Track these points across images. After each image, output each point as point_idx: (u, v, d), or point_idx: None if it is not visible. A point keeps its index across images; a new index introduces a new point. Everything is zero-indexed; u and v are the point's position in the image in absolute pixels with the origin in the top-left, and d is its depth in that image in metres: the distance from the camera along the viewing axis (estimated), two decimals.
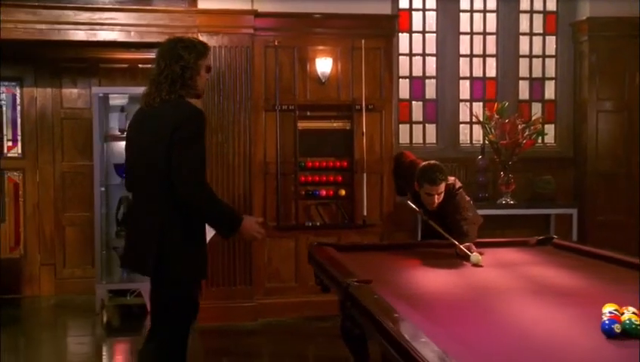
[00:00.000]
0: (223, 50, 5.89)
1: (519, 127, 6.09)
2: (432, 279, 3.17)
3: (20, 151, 7.24)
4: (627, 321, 2.07)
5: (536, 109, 6.84)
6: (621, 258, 3.46)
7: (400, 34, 6.62)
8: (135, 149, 3.17)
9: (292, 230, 6.10)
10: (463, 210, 4.21)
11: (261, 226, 3.22)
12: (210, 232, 3.17)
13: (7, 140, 7.22)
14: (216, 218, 3.08)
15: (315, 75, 6.13)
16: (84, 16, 5.81)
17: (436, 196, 4.16)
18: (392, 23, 6.24)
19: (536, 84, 6.88)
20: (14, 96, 7.22)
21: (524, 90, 6.86)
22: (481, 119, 6.30)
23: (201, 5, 5.91)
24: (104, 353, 5.63)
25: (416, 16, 6.68)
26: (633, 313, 2.11)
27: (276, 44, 6.03)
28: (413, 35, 6.68)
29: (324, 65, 6.10)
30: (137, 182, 3.15)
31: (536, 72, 6.88)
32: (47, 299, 7.12)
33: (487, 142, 6.27)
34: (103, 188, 6.46)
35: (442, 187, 4.16)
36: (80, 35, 5.88)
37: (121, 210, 6.67)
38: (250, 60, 5.96)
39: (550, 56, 6.88)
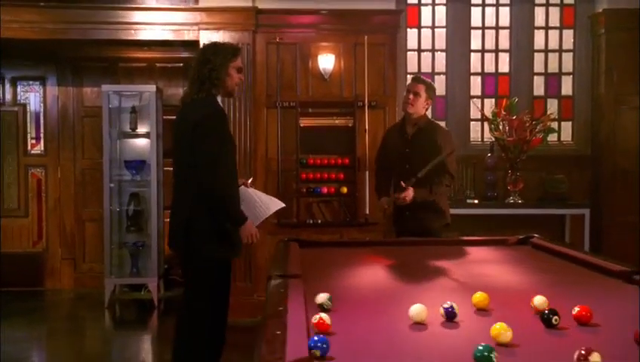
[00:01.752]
0: None
1: (527, 123, 5.87)
2: (366, 275, 3.09)
3: (42, 148, 7.46)
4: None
5: (552, 105, 6.60)
6: (596, 261, 3.26)
7: (408, 29, 6.51)
8: (173, 142, 3.70)
9: (293, 228, 6.06)
10: (450, 160, 4.31)
11: (258, 235, 3.65)
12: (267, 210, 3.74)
13: (31, 138, 7.47)
14: (225, 209, 3.48)
15: (317, 72, 6.09)
16: (85, 14, 5.93)
17: (411, 95, 4.32)
18: (396, 18, 6.14)
19: (552, 79, 6.63)
20: (38, 95, 7.45)
21: (539, 86, 6.62)
22: (489, 116, 6.12)
23: (202, 3, 5.95)
24: (111, 344, 5.74)
25: (425, 11, 6.54)
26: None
27: (278, 40, 6.02)
28: (422, 30, 6.54)
29: (326, 61, 6.05)
30: (175, 171, 3.67)
31: (552, 67, 6.62)
32: (67, 292, 7.32)
33: (494, 139, 6.08)
34: (112, 185, 6.60)
35: (420, 88, 4.33)
36: (85, 33, 6.02)
37: (131, 205, 6.81)
38: (252, 57, 5.97)
39: (567, 51, 6.62)
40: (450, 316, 2.12)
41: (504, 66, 6.60)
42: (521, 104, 6.40)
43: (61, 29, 6.21)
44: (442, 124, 6.50)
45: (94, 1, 5.98)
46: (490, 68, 6.60)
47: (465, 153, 6.43)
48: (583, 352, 1.66)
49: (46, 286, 7.42)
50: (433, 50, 6.56)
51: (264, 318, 2.09)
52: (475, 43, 6.57)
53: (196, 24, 5.90)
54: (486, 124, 6.40)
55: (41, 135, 7.46)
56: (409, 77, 6.41)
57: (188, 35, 5.93)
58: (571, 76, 6.63)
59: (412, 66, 6.52)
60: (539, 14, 6.60)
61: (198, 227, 3.48)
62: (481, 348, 1.67)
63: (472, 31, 6.55)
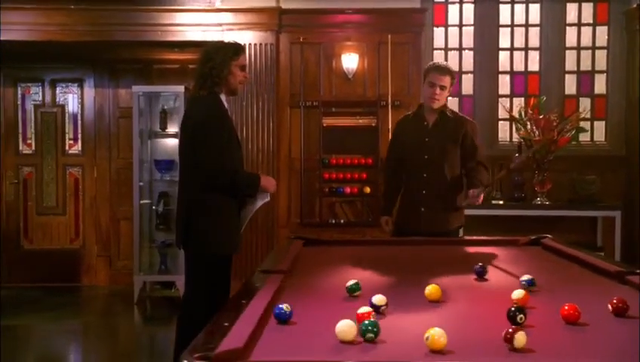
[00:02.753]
0: (248, 47, 5.97)
1: (554, 123, 5.73)
2: (354, 274, 3.03)
3: (80, 148, 7.67)
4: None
5: (585, 104, 6.41)
6: (596, 262, 3.15)
7: (435, 28, 6.43)
8: (179, 140, 3.71)
9: (315, 227, 6.07)
10: (481, 149, 4.16)
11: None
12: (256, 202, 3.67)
13: (69, 139, 7.69)
14: (241, 190, 3.55)
15: (340, 71, 6.08)
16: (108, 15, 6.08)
17: (437, 89, 3.94)
18: (421, 17, 6.08)
19: (585, 77, 6.45)
20: (76, 96, 7.67)
21: (570, 85, 6.44)
22: (515, 115, 5.99)
23: (226, 3, 6.02)
24: (138, 340, 5.85)
25: (453, 10, 6.45)
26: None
27: (301, 40, 6.05)
28: (450, 28, 6.46)
29: (350, 61, 6.05)
30: (179, 169, 3.70)
31: (585, 65, 6.44)
32: (102, 289, 7.50)
33: (521, 139, 5.95)
34: (141, 183, 6.73)
35: (446, 81, 3.95)
36: (111, 35, 6.18)
37: (161, 204, 6.94)
38: (275, 57, 6.01)
39: (601, 48, 6.43)
40: (375, 308, 2.10)
41: (534, 65, 6.44)
42: (552, 103, 6.25)
43: (88, 30, 6.41)
44: None
45: (119, 3, 6.10)
46: (519, 66, 6.45)
47: (492, 153, 6.28)
48: (510, 331, 1.73)
49: (82, 282, 7.62)
50: (460, 49, 6.46)
51: (221, 310, 2.10)
52: (504, 41, 6.44)
53: (220, 25, 5.97)
54: (513, 124, 6.27)
55: (79, 135, 7.67)
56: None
57: (212, 36, 6.00)
58: (605, 74, 6.42)
59: None
60: (571, 11, 6.42)
61: (197, 224, 3.51)
62: (367, 322, 1.74)
63: (501, 29, 6.42)
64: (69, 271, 7.58)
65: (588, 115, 6.35)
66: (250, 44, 5.97)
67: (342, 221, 6.10)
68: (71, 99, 7.66)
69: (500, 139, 6.46)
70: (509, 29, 6.45)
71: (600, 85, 6.44)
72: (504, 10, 6.44)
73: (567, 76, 6.44)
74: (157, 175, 6.89)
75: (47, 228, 7.65)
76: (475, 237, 4.13)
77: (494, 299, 2.40)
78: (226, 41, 3.89)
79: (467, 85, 6.45)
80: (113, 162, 7.60)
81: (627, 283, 2.66)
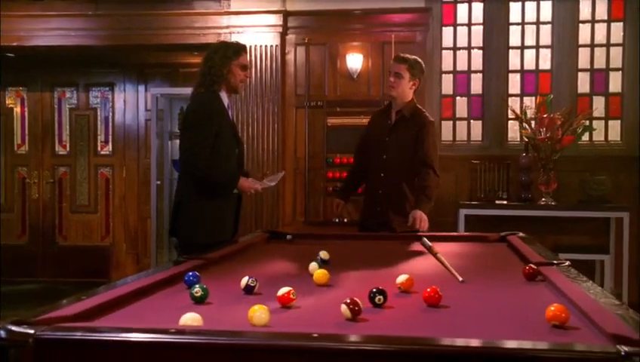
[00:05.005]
0: (254, 49, 6.11)
1: (559, 121, 5.60)
2: (266, 268, 3.04)
3: (110, 149, 8.02)
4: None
5: (599, 103, 6.23)
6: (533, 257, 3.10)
7: (444, 27, 6.40)
8: None
9: (320, 226, 6.14)
10: (434, 157, 3.99)
11: (255, 182, 3.77)
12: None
13: (100, 141, 8.04)
14: (214, 183, 3.61)
15: (345, 71, 6.14)
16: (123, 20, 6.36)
17: (392, 76, 4.02)
18: (425, 16, 6.07)
19: (598, 75, 6.25)
20: (107, 99, 8.02)
21: (584, 83, 6.27)
22: (520, 113, 5.89)
23: (233, 7, 6.19)
24: None
25: (462, 9, 6.40)
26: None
27: (307, 41, 6.14)
28: (458, 27, 6.41)
29: (354, 61, 6.10)
30: None
31: (599, 63, 6.25)
32: None
33: (525, 138, 5.85)
34: (159, 182, 6.98)
35: (402, 69, 3.99)
36: (124, 39, 6.43)
37: None
38: (281, 58, 6.12)
39: (616, 45, 6.22)
40: (248, 290, 2.17)
41: (545, 63, 6.31)
42: (564, 102, 6.11)
43: (114, 35, 6.69)
44: (478, 123, 6.39)
45: (135, 7, 6.36)
46: (530, 65, 6.33)
47: (501, 153, 6.23)
48: (348, 301, 1.83)
49: (112, 278, 7.92)
50: (469, 48, 6.40)
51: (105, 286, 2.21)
52: (514, 39, 6.34)
53: (227, 27, 6.13)
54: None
55: (109, 137, 8.01)
56: (443, 76, 6.38)
57: (218, 39, 6.16)
58: (620, 72, 6.22)
59: (447, 64, 6.40)
60: (584, 7, 6.26)
61: (186, 213, 3.61)
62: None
63: (511, 27, 6.32)
64: (100, 267, 7.91)
65: (597, 114, 6.16)
66: (256, 45, 6.11)
67: (345, 220, 6.12)
68: (103, 103, 8.02)
69: (509, 139, 6.35)
70: (519, 27, 6.34)
71: (615, 83, 6.24)
72: (515, 7, 6.33)
73: (580, 74, 6.26)
74: (176, 174, 7.12)
75: (79, 226, 8.03)
76: (445, 234, 4.09)
77: (379, 284, 2.40)
78: (228, 41, 4.05)
79: (476, 84, 6.38)
80: (141, 162, 7.90)
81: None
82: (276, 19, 6.12)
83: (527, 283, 2.46)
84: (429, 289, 2.08)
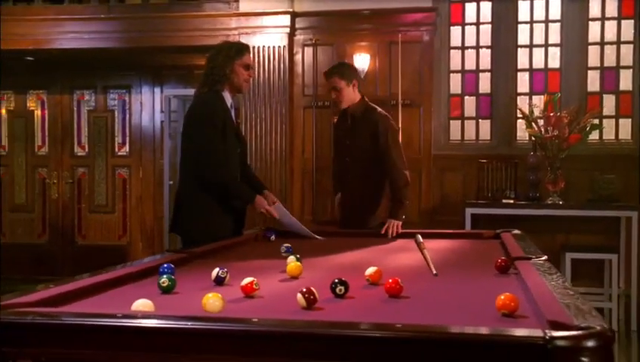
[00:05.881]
0: (262, 50, 6.19)
1: (565, 120, 5.57)
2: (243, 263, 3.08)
3: (127, 150, 8.17)
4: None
5: (609, 101, 6.17)
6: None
7: (452, 27, 6.40)
8: None
9: (327, 225, 6.16)
10: (394, 152, 4.04)
11: (272, 211, 3.72)
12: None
13: (118, 141, 8.19)
14: (227, 192, 3.64)
15: None
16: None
17: (332, 93, 4.12)
18: (431, 15, 6.08)
19: (609, 73, 6.19)
20: (124, 101, 8.17)
21: (593, 81, 6.21)
22: (527, 112, 5.86)
23: (242, 8, 6.27)
24: None
25: (470, 8, 6.40)
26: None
27: (314, 42, 6.20)
28: (467, 27, 6.40)
29: (361, 61, 6.13)
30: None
31: (609, 61, 6.19)
32: None
33: (532, 137, 5.82)
34: (171, 182, 7.09)
35: (334, 82, 4.06)
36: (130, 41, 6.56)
37: None
38: (289, 58, 6.19)
39: (626, 42, 6.16)
40: (218, 281, 2.23)
41: (554, 62, 6.27)
42: (573, 100, 6.07)
43: (131, 37, 6.83)
44: (486, 122, 6.38)
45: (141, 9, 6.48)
46: (539, 64, 6.30)
47: (510, 152, 6.21)
48: (304, 290, 1.88)
49: None
50: (478, 47, 6.39)
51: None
52: (523, 38, 6.31)
53: (236, 29, 6.22)
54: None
55: (126, 138, 8.16)
56: (451, 75, 6.38)
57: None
58: (631, 70, 6.15)
59: (456, 64, 6.40)
60: (593, 5, 6.20)
61: (187, 208, 3.66)
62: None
63: (519, 26, 6.30)
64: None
65: (612, 112, 6.10)
66: (264, 46, 6.19)
67: None
68: (120, 105, 8.18)
69: (518, 138, 6.32)
70: (528, 25, 6.31)
71: (626, 81, 6.17)
72: (523, 6, 6.31)
73: (589, 72, 6.21)
74: None
75: (97, 225, 8.18)
76: (442, 231, 4.11)
77: (348, 275, 2.43)
78: (231, 41, 4.09)
79: (485, 83, 6.36)
80: (157, 163, 8.03)
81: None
82: (284, 20, 6.18)
83: (499, 276, 2.48)
84: (390, 281, 2.11)
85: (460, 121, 6.43)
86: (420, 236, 3.46)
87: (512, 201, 5.87)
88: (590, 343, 1.38)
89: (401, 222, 3.92)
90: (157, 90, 8.03)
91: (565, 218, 5.92)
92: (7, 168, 8.31)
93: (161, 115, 7.99)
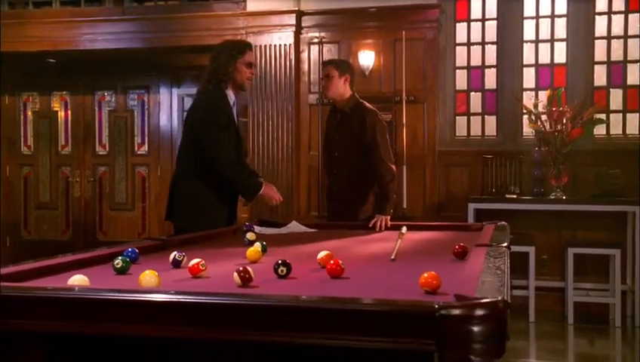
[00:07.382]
0: (269, 49, 6.30)
1: (568, 114, 5.55)
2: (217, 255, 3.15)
3: (146, 149, 8.37)
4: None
5: (616, 96, 6.12)
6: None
7: (457, 23, 6.43)
8: None
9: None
10: (382, 147, 4.11)
11: (277, 192, 3.91)
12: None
13: (137, 141, 8.40)
14: (238, 186, 3.83)
15: (357, 69, 6.20)
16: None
17: (324, 79, 4.29)
18: (435, 12, 6.12)
19: (615, 68, 6.14)
20: (143, 101, 8.38)
21: (600, 76, 6.17)
22: (531, 107, 5.86)
23: (249, 8, 6.39)
24: None
25: (475, 4, 6.41)
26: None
27: (320, 40, 6.29)
28: (472, 23, 6.42)
29: (366, 58, 6.21)
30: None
31: (616, 55, 6.14)
32: None
33: (534, 131, 5.82)
34: None
35: (329, 70, 4.22)
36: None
37: None
38: (295, 56, 6.29)
39: (634, 37, 6.10)
40: (175, 263, 2.34)
41: (560, 57, 6.25)
42: (580, 95, 6.04)
43: (147, 38, 7.02)
44: (492, 118, 6.39)
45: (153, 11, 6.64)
46: (545, 59, 6.28)
47: (515, 148, 6.21)
48: (240, 269, 1.98)
49: None
50: (483, 43, 6.40)
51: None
52: (528, 33, 6.30)
53: (244, 28, 6.35)
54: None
55: (145, 137, 8.36)
56: (457, 71, 6.41)
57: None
58: (638, 64, 6.09)
59: (461, 60, 6.42)
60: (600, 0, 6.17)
61: (181, 197, 3.78)
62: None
63: (525, 21, 6.29)
64: None
65: (620, 107, 6.06)
66: (271, 45, 6.30)
67: None
68: (139, 105, 8.39)
69: (524, 134, 6.31)
70: (533, 20, 6.30)
71: (633, 76, 6.11)
72: (528, 1, 6.30)
73: (596, 67, 6.17)
74: None
75: (118, 223, 8.40)
76: (431, 223, 4.17)
77: (305, 261, 2.52)
78: (233, 39, 4.26)
79: (490, 79, 6.37)
80: (174, 162, 8.17)
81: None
82: (290, 19, 6.29)
83: (454, 262, 2.54)
84: (332, 262, 2.20)
85: (465, 117, 6.45)
86: (405, 228, 3.52)
87: (514, 196, 5.88)
88: (478, 312, 1.45)
89: (389, 216, 3.98)
90: (174, 90, 8.22)
91: (571, 214, 5.90)
92: (32, 167, 8.59)
93: (178, 115, 8.17)
